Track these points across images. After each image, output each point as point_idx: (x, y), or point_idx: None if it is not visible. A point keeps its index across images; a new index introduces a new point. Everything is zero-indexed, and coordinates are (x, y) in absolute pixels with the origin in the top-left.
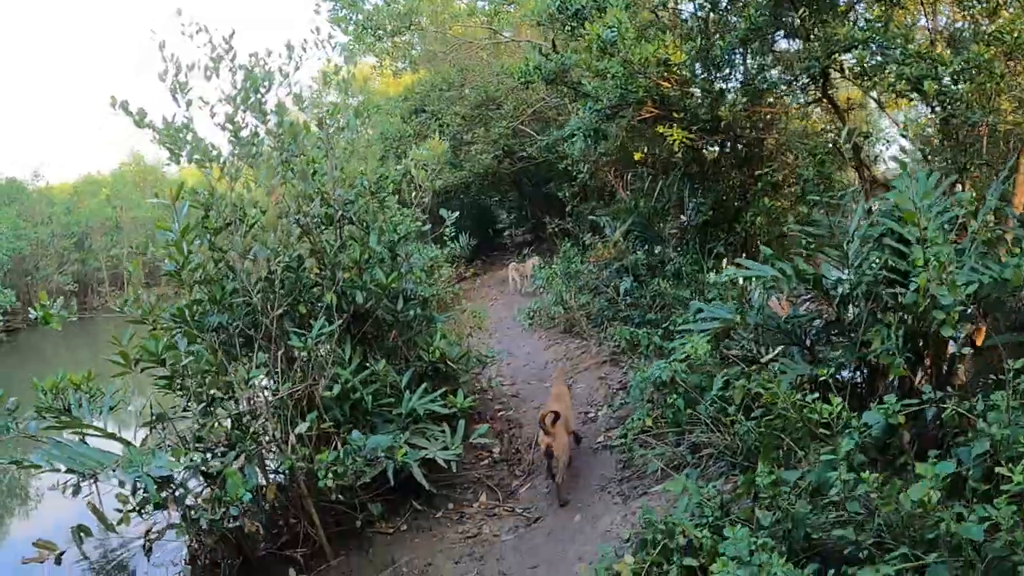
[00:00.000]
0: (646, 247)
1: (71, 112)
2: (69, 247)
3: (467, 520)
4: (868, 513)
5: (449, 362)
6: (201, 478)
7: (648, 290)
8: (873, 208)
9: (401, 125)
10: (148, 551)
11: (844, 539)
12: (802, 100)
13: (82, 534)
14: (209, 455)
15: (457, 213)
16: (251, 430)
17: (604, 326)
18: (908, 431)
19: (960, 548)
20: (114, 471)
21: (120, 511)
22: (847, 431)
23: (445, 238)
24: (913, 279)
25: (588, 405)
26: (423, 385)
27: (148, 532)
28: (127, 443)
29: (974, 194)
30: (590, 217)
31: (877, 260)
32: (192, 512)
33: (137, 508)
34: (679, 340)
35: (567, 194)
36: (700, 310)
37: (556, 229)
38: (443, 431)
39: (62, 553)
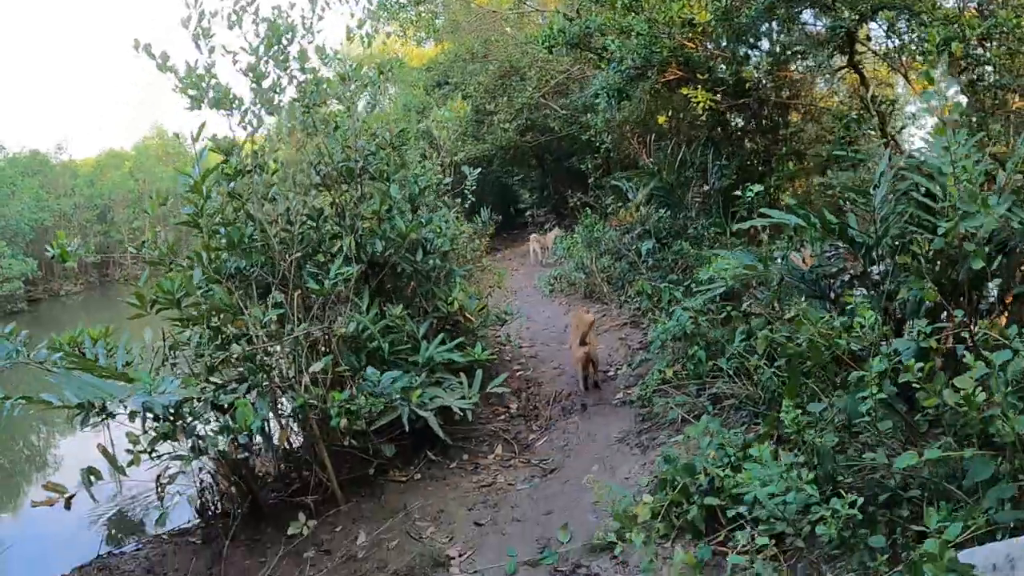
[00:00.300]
0: (669, 212)
1: (97, 91)
2: (92, 219)
3: (482, 471)
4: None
5: (467, 315)
6: (212, 412)
7: (670, 252)
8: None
9: (424, 97)
10: (160, 499)
11: (876, 463)
12: (828, 69)
13: (92, 477)
14: (221, 391)
15: (479, 170)
16: (263, 363)
17: (625, 289)
18: (939, 357)
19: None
20: (123, 401)
21: (131, 451)
22: (877, 358)
23: (466, 191)
24: (942, 223)
25: (608, 365)
26: (440, 336)
27: (159, 477)
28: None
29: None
30: (612, 183)
31: (904, 212)
32: (201, 442)
33: (147, 449)
34: (702, 287)
35: (589, 166)
36: (724, 258)
37: (578, 203)
38: (460, 382)
39: (71, 496)
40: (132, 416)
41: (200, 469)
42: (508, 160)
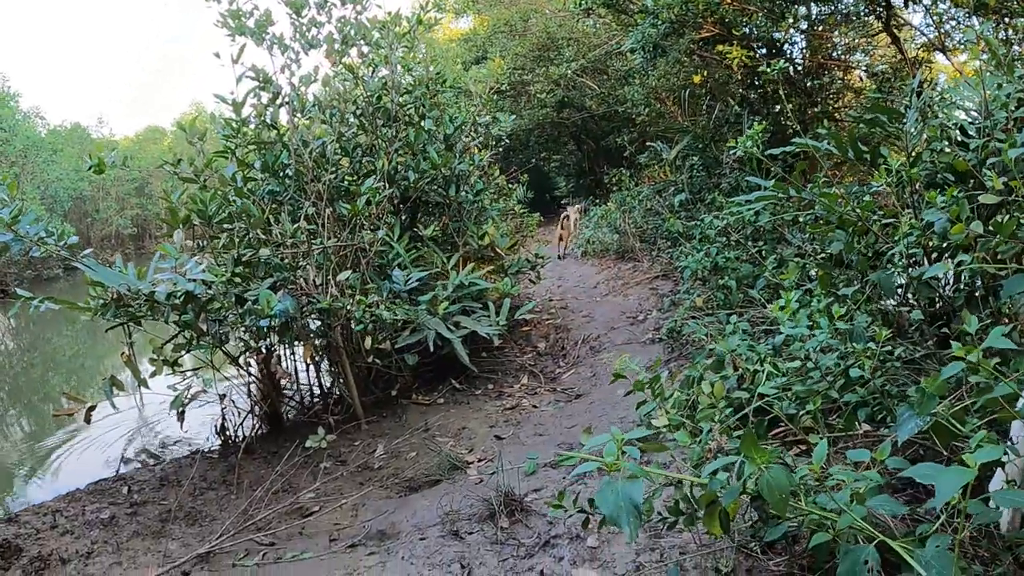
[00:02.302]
0: (703, 167)
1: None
2: (130, 192)
3: (507, 397)
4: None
5: (497, 250)
6: (236, 306)
7: (703, 205)
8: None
9: (462, 72)
10: (180, 415)
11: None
12: (863, 31)
13: (114, 387)
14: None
15: (513, 116)
16: (287, 261)
17: (656, 244)
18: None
19: None
20: (154, 284)
21: (155, 360)
22: (907, 234)
23: (501, 135)
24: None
25: (638, 311)
26: (470, 265)
27: (179, 398)
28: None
29: None
30: (647, 144)
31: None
32: (220, 328)
33: (171, 360)
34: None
35: (626, 140)
36: (757, 186)
37: (614, 178)
38: (487, 314)
39: (92, 408)
40: (154, 313)
41: (222, 396)
42: (544, 140)
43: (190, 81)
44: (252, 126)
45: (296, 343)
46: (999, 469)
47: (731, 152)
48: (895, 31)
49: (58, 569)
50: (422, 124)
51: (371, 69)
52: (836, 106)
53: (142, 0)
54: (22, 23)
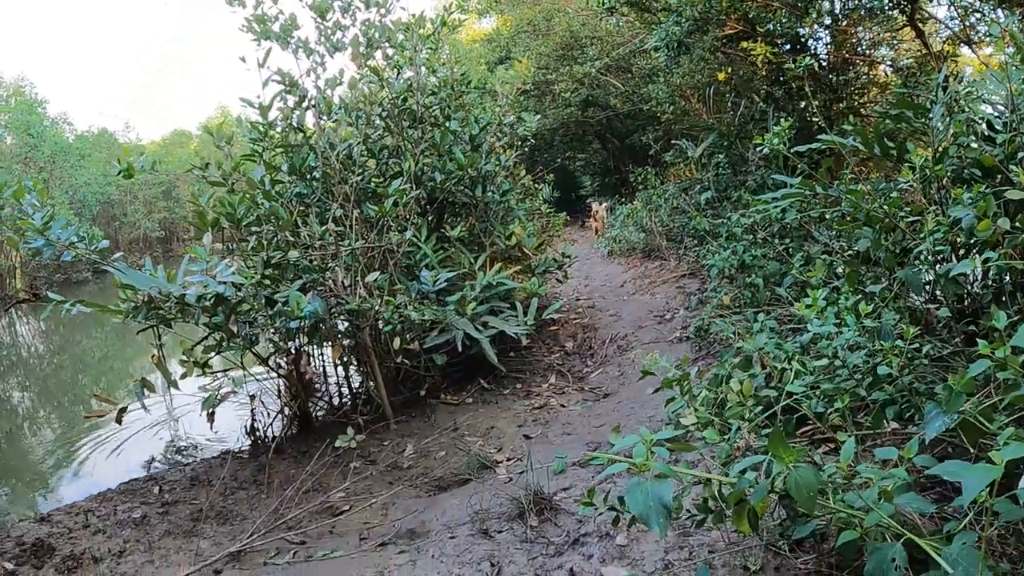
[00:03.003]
0: (729, 165)
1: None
2: (157, 195)
3: (535, 396)
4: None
5: (525, 250)
6: (266, 308)
7: (729, 202)
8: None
9: (486, 73)
10: (211, 416)
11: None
12: (887, 25)
13: (144, 389)
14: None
15: (538, 116)
16: (316, 263)
17: (683, 243)
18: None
19: None
20: (185, 287)
21: (185, 362)
22: (934, 231)
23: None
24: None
25: (666, 310)
26: (497, 266)
27: (209, 398)
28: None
29: None
30: (672, 142)
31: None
32: (250, 329)
33: (201, 361)
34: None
35: (651, 138)
36: (783, 184)
37: (639, 176)
38: (515, 313)
39: (124, 409)
40: (185, 315)
41: (252, 397)
42: (569, 139)
43: (190, 81)
44: (279, 129)
45: (325, 344)
46: None
47: (757, 149)
48: (920, 25)
49: (90, 567)
50: (448, 125)
51: (396, 71)
52: (861, 101)
53: (142, 0)
54: (21, 24)
